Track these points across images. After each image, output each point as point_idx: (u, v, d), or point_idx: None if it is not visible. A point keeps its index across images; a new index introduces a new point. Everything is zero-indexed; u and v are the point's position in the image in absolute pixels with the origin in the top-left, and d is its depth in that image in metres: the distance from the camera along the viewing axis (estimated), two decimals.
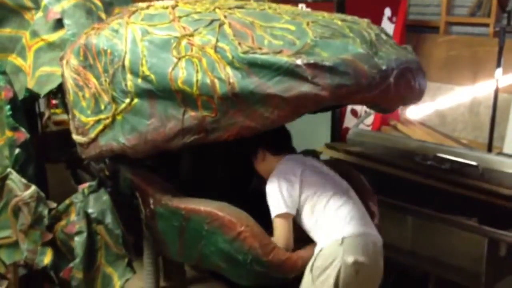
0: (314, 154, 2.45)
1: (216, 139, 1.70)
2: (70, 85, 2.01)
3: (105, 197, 1.99)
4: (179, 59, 1.69)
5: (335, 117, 3.41)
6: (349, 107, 3.82)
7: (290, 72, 1.57)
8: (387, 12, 3.96)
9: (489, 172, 2.40)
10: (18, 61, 2.31)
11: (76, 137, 2.01)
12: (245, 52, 1.62)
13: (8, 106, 2.07)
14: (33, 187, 2.02)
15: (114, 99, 1.83)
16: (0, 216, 2.08)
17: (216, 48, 1.66)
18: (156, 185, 1.92)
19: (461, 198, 2.39)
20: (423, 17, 4.44)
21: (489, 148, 3.21)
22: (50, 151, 2.46)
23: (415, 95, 1.82)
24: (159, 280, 2.27)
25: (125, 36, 1.81)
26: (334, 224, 1.78)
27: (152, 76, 1.72)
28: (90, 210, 1.98)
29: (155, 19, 1.83)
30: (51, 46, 2.26)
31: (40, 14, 2.30)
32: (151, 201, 1.90)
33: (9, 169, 2.07)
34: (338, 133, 3.37)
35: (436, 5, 4.35)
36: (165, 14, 1.83)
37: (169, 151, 1.80)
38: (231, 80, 1.61)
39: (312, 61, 1.56)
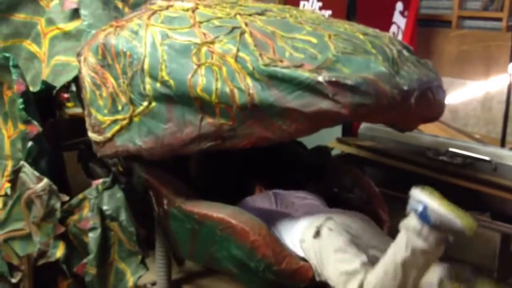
0: (325, 151, 2.46)
1: (232, 147, 1.71)
2: (87, 83, 2.01)
3: (119, 194, 1.99)
4: (199, 66, 1.70)
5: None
6: None
7: (311, 88, 1.57)
8: (399, 6, 3.93)
9: (502, 167, 2.39)
10: (33, 47, 2.31)
11: (92, 135, 2.02)
12: (266, 65, 1.62)
13: (21, 100, 2.07)
14: (46, 180, 2.03)
15: (131, 101, 1.84)
16: (14, 208, 2.09)
17: (236, 58, 1.66)
18: (170, 186, 1.93)
19: (474, 193, 2.38)
20: (435, 11, 4.41)
21: (502, 143, 3.19)
22: (62, 139, 2.44)
23: (435, 114, 1.83)
24: (171, 273, 2.28)
25: (144, 39, 1.82)
26: None
27: (171, 82, 1.73)
28: (104, 207, 1.98)
29: (175, 23, 1.83)
30: (66, 35, 2.26)
31: (56, 1, 2.30)
32: (165, 201, 1.91)
33: (22, 162, 2.07)
34: (349, 127, 3.35)
35: None
36: (185, 17, 1.84)
37: (185, 155, 1.85)
38: (250, 91, 1.62)
39: (334, 79, 1.55)
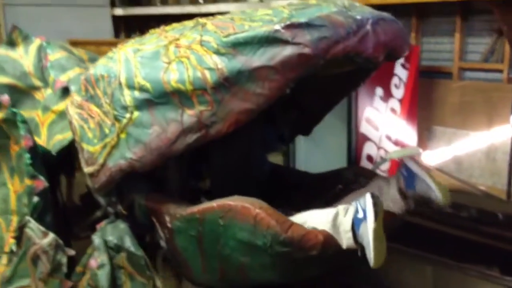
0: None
1: (217, 134, 1.73)
2: (75, 121, 2.06)
3: (123, 225, 2.01)
4: (169, 63, 1.78)
5: (351, 162, 3.40)
6: (365, 152, 3.83)
7: (271, 39, 1.63)
8: (400, 59, 3.99)
9: (509, 220, 2.38)
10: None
11: (86, 169, 2.04)
12: (227, 36, 1.70)
13: (28, 155, 2.08)
14: (51, 235, 2.03)
15: (116, 118, 1.88)
16: (20, 264, 2.07)
17: (201, 43, 1.74)
18: (169, 203, 1.94)
19: (481, 246, 2.36)
20: (436, 62, 4.47)
21: (508, 195, 3.18)
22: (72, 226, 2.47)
23: (397, 42, 1.84)
24: None
25: (118, 58, 1.94)
26: None
27: (148, 84, 1.80)
28: (109, 238, 1.98)
29: (145, 39, 1.97)
30: (61, 115, 2.36)
31: (49, 91, 2.40)
32: (167, 219, 1.90)
33: (27, 217, 2.07)
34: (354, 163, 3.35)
35: (449, 51, 4.38)
36: (153, 34, 1.98)
37: (174, 156, 1.84)
38: (219, 66, 1.68)
39: (289, 23, 1.64)
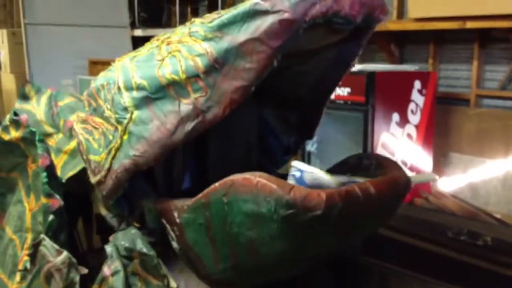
0: None
1: (214, 118, 1.74)
2: (81, 136, 2.09)
3: (134, 231, 2.01)
4: (162, 59, 1.83)
5: None
6: None
7: (252, 13, 1.67)
8: (417, 84, 3.99)
9: None
10: None
11: (94, 179, 2.04)
12: (212, 21, 1.74)
13: (44, 174, 2.11)
14: (65, 253, 2.04)
15: (117, 121, 1.92)
16: (33, 282, 2.08)
17: (190, 34, 1.80)
18: (175, 200, 1.93)
19: (497, 276, 2.33)
20: (453, 89, 4.46)
21: None
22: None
23: (374, 2, 1.83)
24: None
25: (116, 67, 2.00)
26: None
27: (144, 82, 1.84)
28: (121, 243, 1.98)
29: (141, 48, 2.03)
30: (72, 154, 2.42)
31: (60, 135, 2.48)
32: (176, 214, 1.89)
33: (42, 235, 2.09)
34: None
35: (466, 78, 4.38)
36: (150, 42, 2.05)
37: (175, 147, 1.84)
38: (208, 50, 1.72)
39: None
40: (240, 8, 1.70)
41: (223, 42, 1.71)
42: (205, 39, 1.75)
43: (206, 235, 1.83)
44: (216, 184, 1.76)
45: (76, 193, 2.38)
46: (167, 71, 1.81)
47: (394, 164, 1.98)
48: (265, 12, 1.65)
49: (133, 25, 6.89)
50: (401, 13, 4.71)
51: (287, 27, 1.65)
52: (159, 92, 1.82)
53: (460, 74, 4.43)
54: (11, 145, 2.25)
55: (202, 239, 1.86)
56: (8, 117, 2.25)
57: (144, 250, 1.97)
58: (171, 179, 2.17)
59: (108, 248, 2.02)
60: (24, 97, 2.72)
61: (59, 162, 2.43)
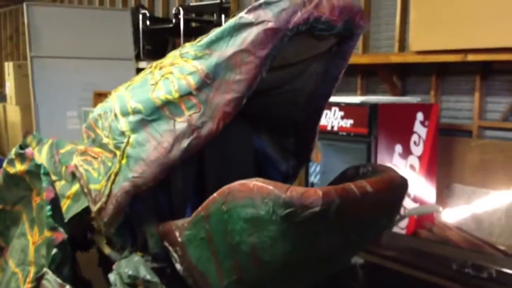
0: None
1: (209, 133, 1.78)
2: (81, 168, 2.13)
3: (137, 258, 2.00)
4: (156, 83, 1.90)
5: None
6: None
7: (238, 27, 1.73)
8: (419, 116, 4.02)
9: None
10: None
11: (95, 208, 2.05)
12: (200, 40, 1.82)
13: (49, 207, 2.12)
14: (68, 287, 2.03)
15: (115, 146, 1.96)
16: None
17: (181, 56, 1.87)
18: (176, 221, 1.93)
19: None
20: (456, 121, 4.48)
21: None
22: None
23: (353, 8, 1.86)
24: None
25: (112, 97, 2.07)
26: None
27: (139, 106, 1.90)
28: (124, 270, 1.97)
29: (135, 78, 2.12)
30: (75, 198, 2.47)
31: (63, 182, 2.51)
32: (177, 234, 1.89)
33: (45, 269, 2.09)
34: None
35: (468, 110, 4.40)
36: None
37: (173, 165, 1.85)
38: (199, 67, 1.78)
39: (250, 7, 1.74)
40: (226, 24, 1.76)
41: (212, 58, 1.76)
42: (196, 57, 1.81)
43: (208, 249, 1.82)
44: (214, 194, 1.76)
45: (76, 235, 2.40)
46: (161, 92, 1.86)
47: (389, 168, 1.97)
48: (250, 24, 1.72)
49: (138, 57, 6.97)
50: (403, 46, 4.76)
51: (272, 35, 1.71)
52: (154, 113, 1.87)
53: (462, 106, 4.45)
54: (16, 178, 2.27)
55: (204, 255, 1.84)
56: (13, 150, 2.27)
57: (148, 277, 1.96)
58: (173, 208, 2.17)
59: (112, 277, 2.02)
60: (26, 147, 2.78)
61: (62, 207, 2.46)
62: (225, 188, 1.74)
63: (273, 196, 1.63)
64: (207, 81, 1.76)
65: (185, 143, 1.81)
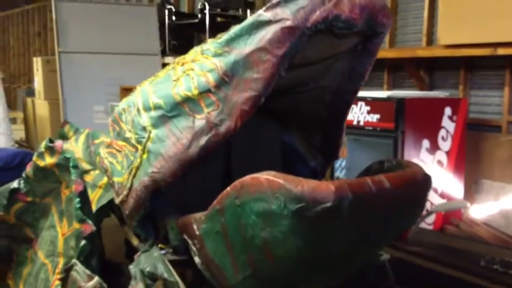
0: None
1: (227, 131, 1.79)
2: (106, 160, 2.16)
3: (156, 253, 2.03)
4: (177, 79, 1.92)
5: None
6: None
7: (257, 25, 1.73)
8: (448, 111, 3.97)
9: None
10: None
11: (118, 200, 2.10)
12: (220, 37, 1.82)
13: (78, 199, 2.15)
14: (96, 278, 2.06)
15: (137, 141, 1.99)
16: None
17: (202, 52, 1.88)
18: (194, 214, 1.93)
19: None
20: (484, 116, 4.42)
21: None
22: None
23: (375, 6, 1.83)
24: None
25: (137, 91, 2.10)
26: None
27: (160, 101, 1.93)
28: (143, 266, 2.00)
29: (159, 73, 2.13)
30: (106, 188, 2.51)
31: (97, 171, 2.54)
32: (195, 227, 1.90)
33: (74, 260, 2.11)
34: None
35: (497, 105, 4.33)
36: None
37: (191, 162, 1.87)
38: (218, 65, 1.79)
39: (268, 4, 1.73)
40: (245, 22, 1.77)
41: (231, 56, 1.77)
42: (215, 55, 1.82)
43: (224, 243, 1.82)
44: (228, 188, 1.76)
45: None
46: (181, 89, 1.88)
47: (413, 163, 1.94)
48: (268, 22, 1.71)
49: (163, 53, 7.01)
50: (431, 40, 4.70)
51: (290, 34, 1.70)
52: (175, 110, 1.89)
53: (491, 101, 4.39)
54: (46, 171, 2.30)
55: (220, 248, 1.85)
56: (43, 144, 2.30)
57: (165, 275, 1.97)
58: (197, 202, 2.18)
59: (132, 269, 2.04)
60: (63, 137, 2.84)
61: (94, 196, 2.50)
62: (237, 182, 1.73)
63: (284, 190, 1.62)
64: (225, 79, 1.77)
65: (203, 140, 1.82)
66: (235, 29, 1.80)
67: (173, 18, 7.13)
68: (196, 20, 6.96)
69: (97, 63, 6.50)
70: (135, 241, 2.32)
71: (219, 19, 7.14)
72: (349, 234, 1.68)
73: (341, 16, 1.76)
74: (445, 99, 4.12)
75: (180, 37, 7.25)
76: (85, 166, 2.65)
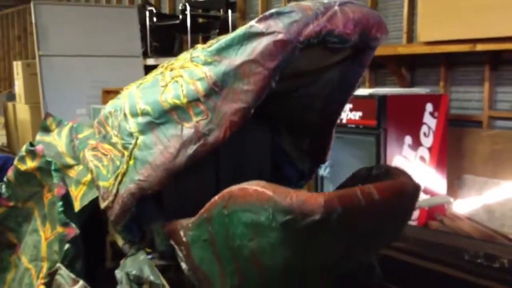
0: None
1: (216, 141, 1.76)
2: (91, 163, 2.12)
3: (142, 257, 2.00)
4: (165, 85, 1.88)
5: None
6: None
7: (248, 36, 1.70)
8: (429, 107, 4.00)
9: None
10: None
11: (103, 205, 2.06)
12: (210, 45, 1.79)
13: (60, 203, 2.13)
14: (81, 282, 2.04)
15: (124, 147, 1.95)
16: None
17: (191, 59, 1.84)
18: (181, 220, 1.92)
19: None
20: (465, 111, 4.46)
21: None
22: None
23: (369, 21, 1.80)
24: None
25: (123, 95, 2.06)
26: None
27: (148, 108, 1.89)
28: (129, 269, 1.98)
29: (147, 76, 2.08)
30: (90, 185, 2.43)
31: (81, 167, 2.49)
32: (182, 233, 1.88)
33: (58, 264, 2.10)
34: None
35: (478, 100, 4.38)
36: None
37: (179, 171, 1.84)
38: (207, 74, 1.75)
39: (261, 16, 1.70)
40: (237, 32, 1.74)
41: (221, 66, 1.74)
42: (205, 63, 1.78)
43: (212, 252, 1.82)
44: (216, 197, 1.74)
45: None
46: (169, 96, 1.84)
47: (402, 171, 1.92)
48: (260, 34, 1.68)
49: (145, 54, 6.98)
50: (411, 37, 4.74)
51: (282, 47, 1.67)
52: (163, 117, 1.85)
53: (472, 96, 4.43)
54: (27, 175, 2.28)
55: (208, 256, 1.84)
56: (24, 147, 2.28)
57: (152, 278, 1.96)
58: (184, 207, 2.17)
59: (118, 274, 2.03)
60: (46, 129, 2.76)
61: (78, 193, 2.46)
62: (225, 191, 1.72)
63: (273, 202, 1.61)
64: (215, 89, 1.74)
65: (191, 149, 1.80)
66: (226, 38, 1.77)
67: (154, 19, 7.11)
68: (177, 21, 6.94)
69: (78, 66, 6.46)
70: (120, 242, 2.30)
71: (200, 19, 7.13)
72: (337, 246, 1.69)
73: (335, 31, 1.73)
74: (426, 96, 4.15)
75: (162, 39, 7.23)
76: (69, 160, 2.60)
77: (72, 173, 2.57)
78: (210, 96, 1.75)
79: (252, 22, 1.71)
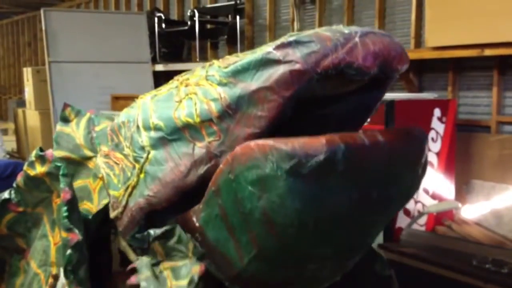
0: None
1: None
2: (103, 170, 2.15)
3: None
4: (180, 101, 1.87)
5: None
6: None
7: (265, 62, 1.68)
8: (437, 112, 3.99)
9: None
10: (87, 205, 2.43)
11: (113, 214, 2.08)
12: (227, 66, 1.77)
13: (65, 208, 2.13)
14: None
15: (135, 159, 1.97)
16: None
17: (207, 78, 1.83)
18: (192, 208, 1.90)
19: None
20: (474, 116, 4.45)
21: None
22: None
23: (390, 52, 1.75)
24: None
25: (138, 105, 2.06)
26: None
27: (161, 123, 1.89)
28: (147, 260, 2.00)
29: (163, 86, 2.08)
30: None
31: (99, 158, 2.49)
32: (194, 219, 1.87)
33: (60, 269, 2.11)
34: (391, 233, 3.32)
35: (486, 105, 4.37)
36: (172, 81, 2.07)
37: (188, 189, 1.84)
38: (222, 95, 1.74)
39: (279, 43, 1.67)
40: (254, 56, 1.72)
41: (236, 89, 1.73)
42: (220, 83, 1.77)
43: (225, 227, 1.80)
44: (221, 165, 1.74)
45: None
46: (182, 113, 1.84)
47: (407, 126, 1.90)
48: (277, 62, 1.66)
49: (154, 60, 7.01)
50: (419, 42, 4.74)
51: (298, 77, 1.65)
52: (175, 134, 1.85)
53: (480, 101, 4.42)
54: (37, 180, 2.30)
55: (222, 234, 1.82)
56: (34, 153, 2.30)
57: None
58: None
59: (138, 263, 2.01)
60: (65, 120, 2.74)
61: (96, 186, 2.46)
62: (228, 156, 1.72)
63: (275, 150, 1.61)
64: (229, 112, 1.73)
65: (202, 169, 1.79)
66: (242, 61, 1.74)
67: (163, 25, 7.15)
68: (186, 27, 6.97)
69: (88, 72, 6.50)
70: (132, 256, 2.29)
71: (208, 25, 7.16)
72: (348, 191, 1.65)
73: (354, 64, 1.68)
74: (434, 101, 4.15)
75: (170, 45, 7.26)
76: (87, 152, 2.59)
77: (91, 164, 2.57)
78: (223, 118, 1.74)
79: (270, 48, 1.69)
